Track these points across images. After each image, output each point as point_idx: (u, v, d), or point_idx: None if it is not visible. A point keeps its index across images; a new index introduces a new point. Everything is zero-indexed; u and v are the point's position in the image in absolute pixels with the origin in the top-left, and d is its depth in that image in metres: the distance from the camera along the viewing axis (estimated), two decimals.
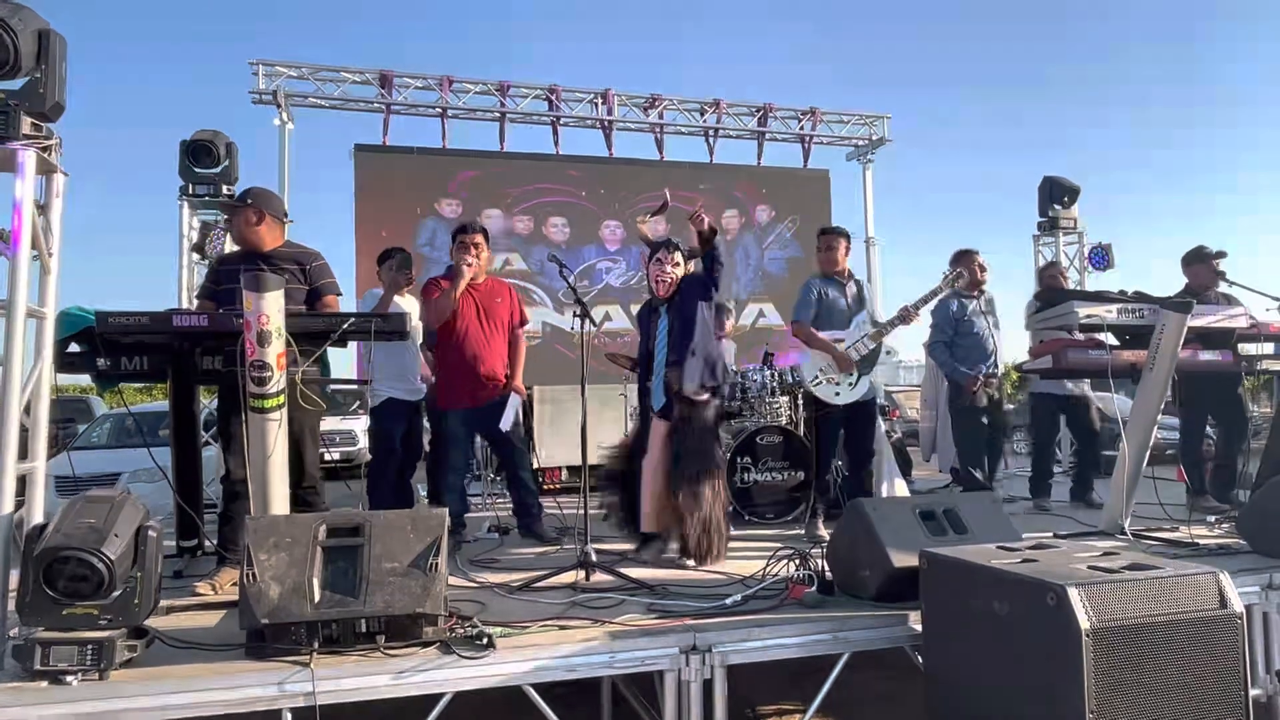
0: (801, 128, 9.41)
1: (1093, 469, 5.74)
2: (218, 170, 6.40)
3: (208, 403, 5.91)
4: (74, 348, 4.04)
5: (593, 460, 3.90)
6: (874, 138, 9.57)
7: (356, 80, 8.13)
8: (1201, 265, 5.24)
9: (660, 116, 8.98)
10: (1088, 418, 5.77)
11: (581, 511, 3.71)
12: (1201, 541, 4.03)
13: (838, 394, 4.55)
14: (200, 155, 6.34)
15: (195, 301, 6.05)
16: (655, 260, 4.07)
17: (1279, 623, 3.29)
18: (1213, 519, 4.60)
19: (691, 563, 3.84)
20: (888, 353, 4.71)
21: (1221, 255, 5.19)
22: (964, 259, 5.46)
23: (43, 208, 2.79)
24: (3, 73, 2.61)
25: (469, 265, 4.28)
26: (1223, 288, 5.17)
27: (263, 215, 3.73)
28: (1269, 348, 4.92)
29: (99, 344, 3.75)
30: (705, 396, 3.96)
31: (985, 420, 5.47)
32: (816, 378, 4.56)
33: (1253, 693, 2.32)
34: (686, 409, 3.94)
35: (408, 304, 4.86)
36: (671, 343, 4.01)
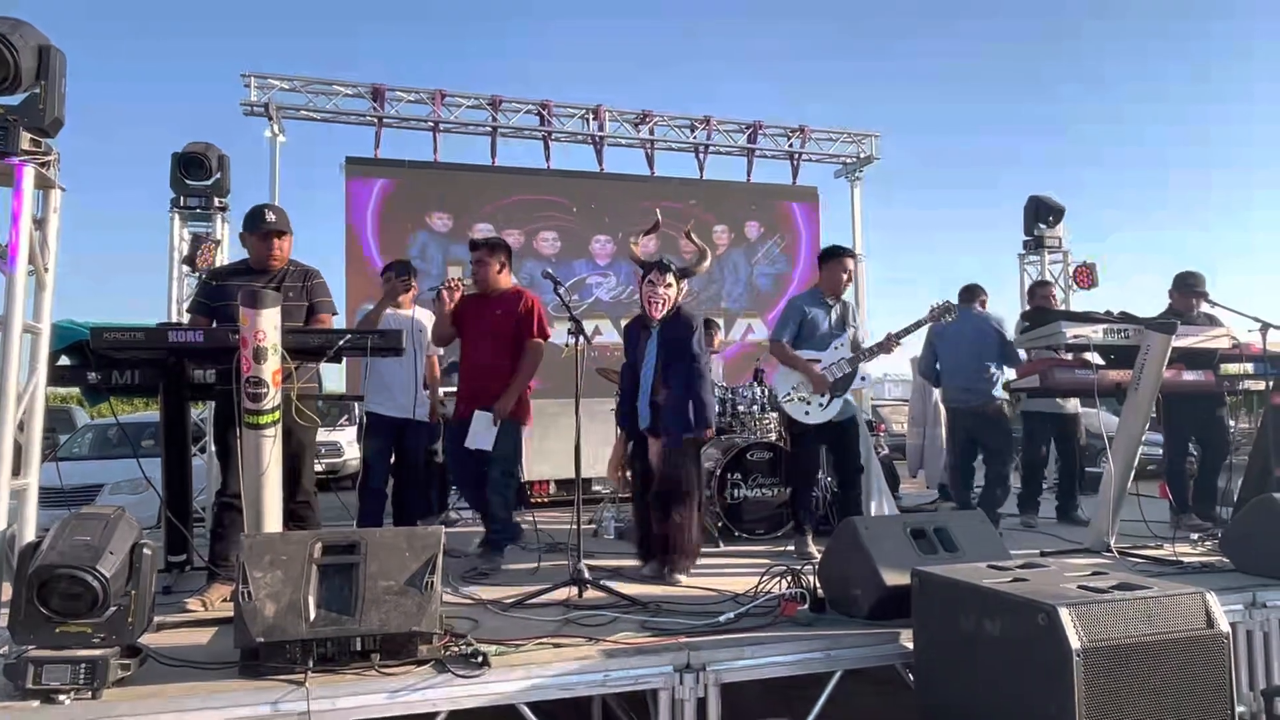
0: (790, 145, 9.49)
1: (1076, 485, 5.84)
2: (209, 183, 6.38)
3: (198, 413, 5.88)
4: (64, 361, 4.03)
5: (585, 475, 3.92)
6: (862, 155, 9.67)
7: (349, 93, 8.13)
8: (1185, 287, 5.34)
9: (651, 132, 9.02)
10: (1075, 435, 5.87)
11: (574, 526, 3.71)
12: (1186, 559, 4.09)
13: (807, 413, 4.57)
14: (192, 167, 6.32)
15: (186, 315, 6.04)
16: (648, 281, 4.08)
17: (1262, 640, 3.35)
18: (1196, 536, 4.67)
19: (684, 579, 3.87)
20: (862, 378, 4.69)
21: (1200, 279, 5.32)
22: (973, 293, 5.71)
23: (40, 223, 2.80)
24: (3, 88, 2.62)
25: (446, 289, 4.24)
26: (1205, 308, 5.26)
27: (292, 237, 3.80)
28: (1250, 368, 5.02)
29: (90, 358, 3.74)
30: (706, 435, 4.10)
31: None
32: (788, 395, 4.59)
33: (1238, 710, 2.35)
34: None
35: (417, 315, 4.88)
36: (661, 364, 4.04)
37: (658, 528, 3.97)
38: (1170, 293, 5.45)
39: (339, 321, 4.07)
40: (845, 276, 4.73)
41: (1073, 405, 5.85)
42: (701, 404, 4.00)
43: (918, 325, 4.72)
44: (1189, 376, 4.69)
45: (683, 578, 3.90)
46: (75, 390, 6.75)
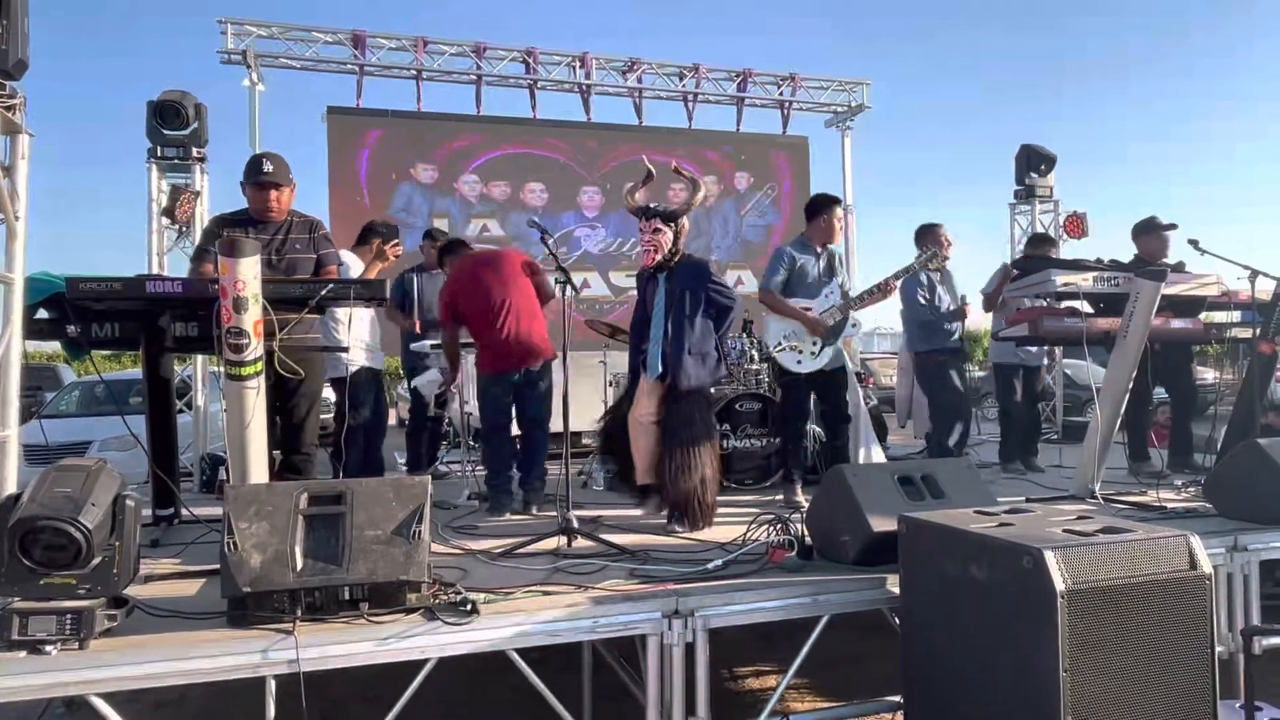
0: (781, 93, 9.34)
1: (1035, 434, 6.04)
2: (186, 132, 6.22)
3: (181, 369, 5.84)
4: (42, 314, 3.96)
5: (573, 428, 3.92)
6: (853, 104, 9.53)
7: (329, 40, 7.93)
8: (1153, 230, 5.31)
9: (639, 81, 8.85)
10: (1035, 385, 5.97)
11: (563, 477, 3.71)
12: (1170, 505, 4.13)
13: (799, 361, 4.55)
14: (168, 116, 6.16)
15: (167, 267, 6.00)
16: (639, 230, 4.04)
17: (1242, 582, 3.40)
18: (1180, 482, 4.70)
19: (680, 529, 3.86)
20: (853, 325, 4.72)
21: (1172, 227, 5.29)
22: (929, 233, 5.48)
23: (7, 169, 2.71)
24: None
25: None
26: (1197, 257, 5.22)
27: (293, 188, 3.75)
28: (1237, 315, 5.02)
29: (69, 311, 3.67)
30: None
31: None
32: (779, 344, 4.57)
33: (1218, 649, 2.38)
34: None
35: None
36: (670, 312, 3.98)
37: (676, 479, 3.87)
38: (1138, 240, 5.40)
39: None
40: (835, 225, 4.68)
41: (1031, 354, 5.91)
42: (701, 356, 3.98)
43: (907, 270, 4.77)
44: (1177, 324, 4.68)
45: (679, 528, 3.89)
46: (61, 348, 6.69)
